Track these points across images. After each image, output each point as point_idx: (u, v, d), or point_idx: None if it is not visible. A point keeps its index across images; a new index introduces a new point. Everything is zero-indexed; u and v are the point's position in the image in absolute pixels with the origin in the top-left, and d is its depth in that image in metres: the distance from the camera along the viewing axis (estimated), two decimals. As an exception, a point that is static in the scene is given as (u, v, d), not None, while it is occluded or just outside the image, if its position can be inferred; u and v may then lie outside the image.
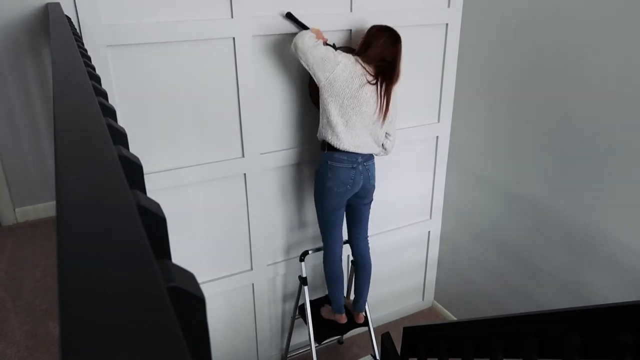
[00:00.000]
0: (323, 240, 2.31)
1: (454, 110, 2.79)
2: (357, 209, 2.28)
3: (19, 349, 1.14)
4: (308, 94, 2.29)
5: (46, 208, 1.92)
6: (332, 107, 1.98)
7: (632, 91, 1.87)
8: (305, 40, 1.90)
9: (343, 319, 2.45)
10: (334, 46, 2.07)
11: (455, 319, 3.14)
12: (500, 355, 1.38)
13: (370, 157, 2.16)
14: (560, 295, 2.34)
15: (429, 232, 3.08)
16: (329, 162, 2.08)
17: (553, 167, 2.25)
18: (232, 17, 2.00)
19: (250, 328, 2.69)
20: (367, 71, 1.99)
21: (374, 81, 2.00)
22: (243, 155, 2.26)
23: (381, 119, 2.06)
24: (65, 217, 0.29)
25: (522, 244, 2.52)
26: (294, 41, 1.93)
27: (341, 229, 2.28)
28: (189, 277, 0.30)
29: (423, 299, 3.31)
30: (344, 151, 2.05)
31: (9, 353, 1.13)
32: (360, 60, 2.00)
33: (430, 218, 3.04)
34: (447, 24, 2.56)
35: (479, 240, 2.81)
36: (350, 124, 2.01)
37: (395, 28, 2.49)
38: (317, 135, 2.12)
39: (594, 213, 2.11)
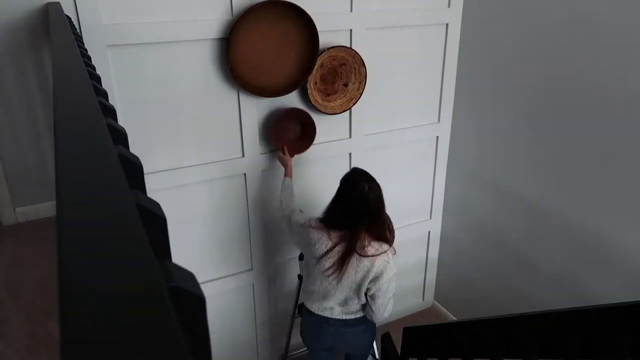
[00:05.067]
0: None
1: (454, 110, 2.79)
2: None
3: (19, 349, 1.14)
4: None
5: (46, 208, 1.91)
6: None
7: (632, 91, 1.87)
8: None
9: None
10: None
11: (455, 319, 3.14)
12: (500, 355, 1.38)
13: None
14: (560, 295, 2.33)
15: (429, 232, 3.08)
16: None
17: (553, 167, 2.25)
18: (232, 16, 2.00)
19: (251, 328, 2.69)
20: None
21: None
22: (243, 155, 2.26)
23: None
24: (65, 217, 0.29)
25: (522, 244, 2.52)
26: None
27: None
28: (190, 276, 0.30)
29: (423, 299, 3.31)
30: None
31: (9, 353, 1.13)
32: None
33: (430, 218, 3.04)
34: (447, 24, 2.56)
35: (479, 240, 2.81)
36: None
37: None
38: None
39: (594, 213, 2.11)
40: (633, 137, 1.89)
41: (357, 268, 1.79)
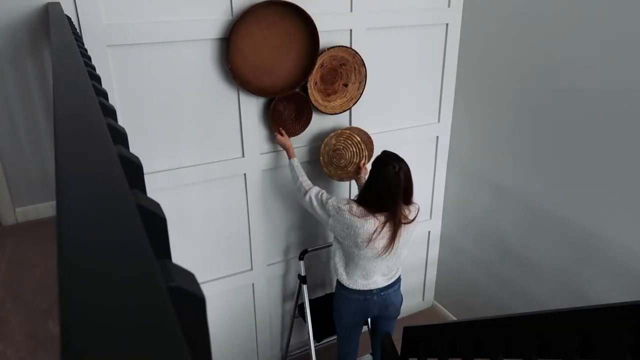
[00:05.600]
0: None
1: (454, 110, 2.79)
2: None
3: (19, 349, 1.14)
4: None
5: (46, 208, 1.91)
6: None
7: (632, 91, 1.87)
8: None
9: None
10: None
11: (455, 319, 3.14)
12: (500, 356, 1.38)
13: None
14: (560, 295, 2.34)
15: (429, 232, 3.08)
16: None
17: (553, 167, 2.25)
18: (232, 16, 2.00)
19: (250, 328, 2.69)
20: None
21: None
22: (243, 155, 2.26)
23: None
24: (65, 217, 0.29)
25: (522, 244, 2.52)
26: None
27: None
28: (189, 276, 0.30)
29: (423, 299, 3.31)
30: None
31: (9, 353, 1.13)
32: None
33: (430, 218, 3.04)
34: (447, 24, 2.56)
35: (479, 240, 2.81)
36: None
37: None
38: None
39: (594, 213, 2.11)
40: (633, 136, 1.89)
41: (403, 234, 1.98)
